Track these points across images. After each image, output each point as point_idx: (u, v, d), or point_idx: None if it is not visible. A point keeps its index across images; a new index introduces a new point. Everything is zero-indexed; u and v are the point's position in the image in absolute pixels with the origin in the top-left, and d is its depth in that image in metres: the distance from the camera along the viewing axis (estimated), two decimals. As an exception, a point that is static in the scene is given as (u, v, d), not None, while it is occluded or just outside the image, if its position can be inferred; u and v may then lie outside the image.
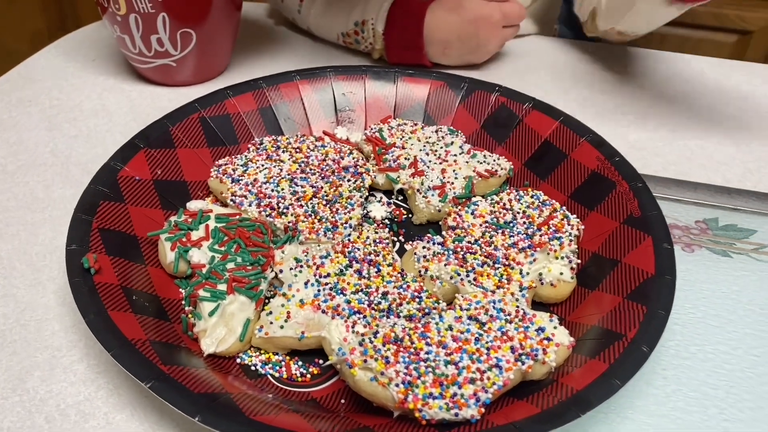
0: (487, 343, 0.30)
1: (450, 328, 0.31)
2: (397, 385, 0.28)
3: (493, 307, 0.33)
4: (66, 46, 0.60)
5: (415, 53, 0.57)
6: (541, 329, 0.32)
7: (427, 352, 0.30)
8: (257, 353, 0.34)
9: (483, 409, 0.28)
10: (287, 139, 0.46)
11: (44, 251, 0.40)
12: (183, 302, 0.36)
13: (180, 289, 0.37)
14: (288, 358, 0.34)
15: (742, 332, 0.37)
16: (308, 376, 0.33)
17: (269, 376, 0.33)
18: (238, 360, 0.34)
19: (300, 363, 0.34)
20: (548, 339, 0.31)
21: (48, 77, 0.56)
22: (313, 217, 0.39)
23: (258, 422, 0.27)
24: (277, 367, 0.33)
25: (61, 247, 0.40)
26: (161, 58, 0.52)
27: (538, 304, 0.37)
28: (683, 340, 0.36)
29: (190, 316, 0.34)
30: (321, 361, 0.34)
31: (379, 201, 0.44)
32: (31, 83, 0.55)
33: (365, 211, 0.42)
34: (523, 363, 0.30)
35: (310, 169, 0.43)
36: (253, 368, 0.33)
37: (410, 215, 0.43)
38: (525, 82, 0.58)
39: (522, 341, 0.31)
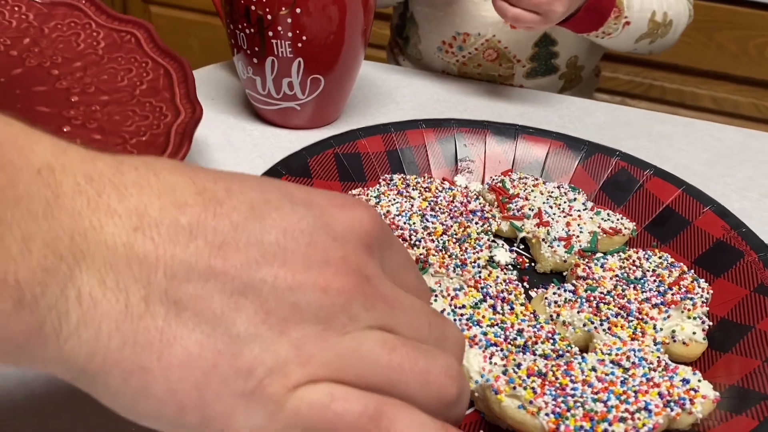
0: (633, 386, 0.31)
1: (593, 369, 0.32)
2: (547, 415, 0.29)
3: (635, 355, 0.33)
4: None
5: None
6: (685, 380, 0.32)
7: (573, 389, 0.30)
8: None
9: (635, 449, 0.28)
10: (415, 178, 0.48)
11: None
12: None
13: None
14: (422, 383, 0.34)
15: None
16: (442, 402, 0.34)
17: (404, 398, 0.34)
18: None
19: (434, 389, 0.34)
20: (694, 390, 0.31)
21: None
22: (443, 252, 0.41)
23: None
24: (412, 391, 0.34)
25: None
26: (287, 101, 0.55)
27: (665, 362, 0.37)
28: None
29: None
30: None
31: (503, 247, 0.45)
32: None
33: (491, 255, 0.43)
34: (672, 410, 0.30)
35: (439, 209, 0.44)
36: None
37: (533, 263, 0.44)
38: (625, 148, 0.59)
39: (669, 389, 0.31)
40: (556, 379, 0.31)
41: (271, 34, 0.51)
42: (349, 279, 0.22)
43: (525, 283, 0.42)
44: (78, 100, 0.47)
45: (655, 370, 0.32)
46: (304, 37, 0.51)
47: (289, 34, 0.51)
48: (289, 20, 0.50)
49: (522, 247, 0.46)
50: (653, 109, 0.67)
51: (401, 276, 0.26)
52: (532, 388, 0.30)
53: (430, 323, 0.25)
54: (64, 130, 0.44)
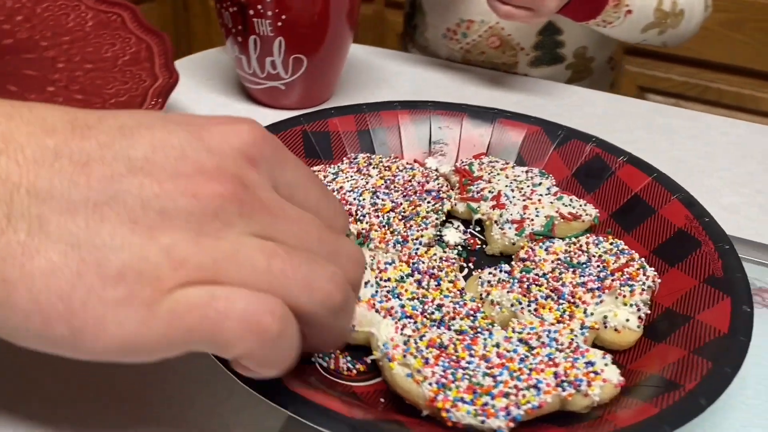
0: (531, 364, 0.30)
1: (497, 345, 0.31)
2: (430, 384, 0.28)
3: (547, 336, 0.32)
4: (186, 65, 0.67)
5: None
6: (590, 363, 0.31)
7: (468, 362, 0.30)
8: (310, 342, 0.35)
9: (513, 424, 0.27)
10: (380, 158, 0.48)
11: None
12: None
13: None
14: (338, 352, 0.35)
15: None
16: (354, 371, 0.34)
17: (317, 365, 0.34)
18: (291, 345, 0.35)
19: (349, 358, 0.34)
20: (596, 373, 0.30)
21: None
22: (386, 228, 0.41)
23: (296, 393, 0.28)
24: (327, 359, 0.34)
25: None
26: (272, 80, 0.56)
27: (600, 349, 0.36)
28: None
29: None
30: (369, 360, 0.34)
31: (456, 228, 0.44)
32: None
33: (439, 234, 0.43)
34: (563, 390, 0.29)
35: (395, 187, 0.44)
36: (304, 355, 0.34)
37: (484, 245, 0.44)
38: (619, 139, 0.57)
39: (567, 369, 0.30)
40: (456, 352, 0.30)
41: (252, 12, 0.52)
42: (222, 185, 0.22)
43: (471, 264, 0.42)
44: (63, 67, 0.50)
45: (561, 351, 0.31)
46: (283, 16, 0.52)
47: (269, 13, 0.52)
48: (268, -1, 0.51)
49: (478, 229, 0.45)
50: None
51: (299, 192, 0.25)
52: (426, 359, 0.30)
53: (320, 237, 0.24)
54: (48, 89, 0.47)
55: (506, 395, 0.28)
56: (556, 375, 0.29)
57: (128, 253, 0.21)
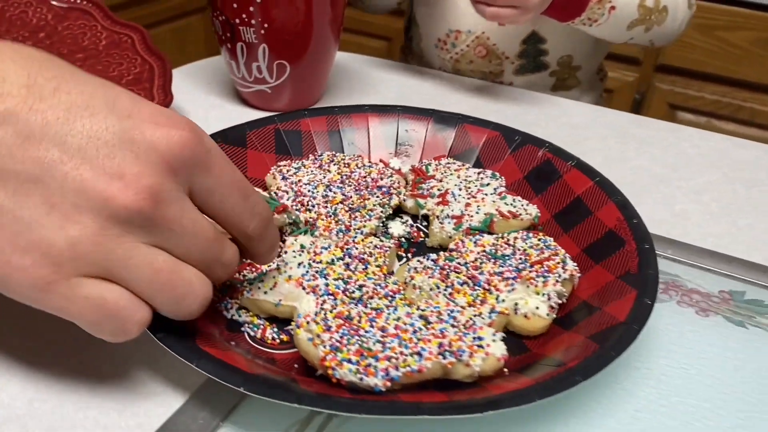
0: (421, 336, 0.33)
1: (398, 319, 0.34)
2: (324, 347, 0.32)
3: (448, 315, 0.35)
4: (190, 70, 0.72)
5: None
6: (479, 338, 0.33)
7: (366, 331, 0.33)
8: (247, 313, 0.39)
9: (390, 384, 0.30)
10: (344, 156, 0.51)
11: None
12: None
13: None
14: (267, 323, 0.38)
15: (733, 395, 0.36)
16: (278, 341, 0.37)
17: (246, 333, 0.38)
18: (228, 315, 0.39)
19: (275, 329, 0.38)
20: (480, 346, 0.33)
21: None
22: (332, 218, 0.44)
23: (205, 351, 0.32)
24: (255, 329, 0.38)
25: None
26: (259, 84, 0.61)
27: (513, 335, 0.38)
28: (666, 390, 0.36)
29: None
30: (292, 331, 0.38)
31: (404, 222, 0.47)
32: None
33: (383, 225, 0.46)
34: (444, 358, 0.32)
35: (349, 182, 0.48)
36: (235, 324, 0.38)
37: (427, 238, 0.47)
38: (588, 147, 0.59)
39: (453, 341, 0.33)
40: (359, 323, 0.34)
41: (237, 21, 0.56)
42: (135, 195, 0.25)
43: (410, 254, 0.45)
44: (71, 83, 0.56)
45: (455, 327, 0.34)
46: (266, 25, 0.56)
47: (253, 21, 0.56)
48: (252, 8, 0.55)
49: (425, 224, 0.48)
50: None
51: (214, 199, 0.28)
52: (328, 326, 0.33)
53: (204, 249, 0.28)
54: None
55: (389, 359, 0.31)
56: (440, 345, 0.32)
57: (39, 234, 0.25)
